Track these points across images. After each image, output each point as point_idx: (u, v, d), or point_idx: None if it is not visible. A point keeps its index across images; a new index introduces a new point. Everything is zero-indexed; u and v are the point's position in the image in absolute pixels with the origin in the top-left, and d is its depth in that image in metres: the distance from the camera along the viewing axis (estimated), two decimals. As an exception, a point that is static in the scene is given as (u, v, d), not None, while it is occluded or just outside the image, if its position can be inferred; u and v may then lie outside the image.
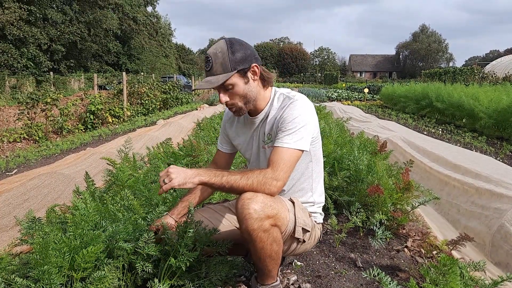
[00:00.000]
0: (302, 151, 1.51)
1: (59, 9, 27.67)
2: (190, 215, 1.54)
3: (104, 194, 2.20)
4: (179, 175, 1.40)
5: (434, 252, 2.28)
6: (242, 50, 1.50)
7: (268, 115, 1.64)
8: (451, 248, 2.19)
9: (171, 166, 1.45)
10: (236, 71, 1.49)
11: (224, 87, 1.53)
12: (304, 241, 1.64)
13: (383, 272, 1.40)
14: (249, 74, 1.54)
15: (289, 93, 1.63)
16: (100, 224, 1.66)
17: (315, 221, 1.73)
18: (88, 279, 1.44)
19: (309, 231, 1.64)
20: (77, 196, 2.13)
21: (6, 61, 22.29)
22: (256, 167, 1.68)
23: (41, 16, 25.38)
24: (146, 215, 1.79)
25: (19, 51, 23.60)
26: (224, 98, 1.55)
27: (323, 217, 1.82)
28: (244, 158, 1.94)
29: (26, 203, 3.07)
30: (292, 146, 1.47)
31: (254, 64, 1.54)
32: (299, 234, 1.58)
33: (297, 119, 1.51)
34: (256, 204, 1.40)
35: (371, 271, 1.41)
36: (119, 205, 1.89)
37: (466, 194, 3.20)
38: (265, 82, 1.62)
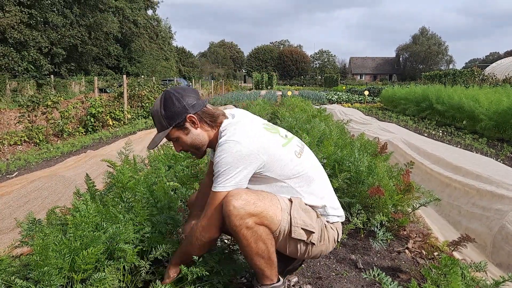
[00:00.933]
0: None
1: (60, 13, 27.76)
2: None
3: (105, 196, 2.20)
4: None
5: (435, 253, 2.28)
6: (174, 106, 1.56)
7: None
8: (452, 249, 2.18)
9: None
10: (172, 126, 1.57)
11: (171, 140, 1.63)
12: (313, 243, 1.58)
13: (384, 273, 1.40)
14: (188, 125, 1.59)
15: (226, 130, 1.56)
16: (100, 226, 1.66)
17: (327, 221, 1.65)
18: (89, 280, 1.43)
19: (313, 233, 1.57)
20: (78, 197, 2.13)
21: (7, 64, 22.34)
22: None
23: (41, 19, 25.46)
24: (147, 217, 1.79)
25: (20, 54, 23.65)
26: (177, 148, 1.66)
27: (341, 218, 1.70)
28: None
29: (26, 205, 3.07)
30: (216, 190, 1.48)
31: (189, 115, 1.57)
32: (297, 234, 1.53)
33: (220, 162, 1.47)
34: (236, 202, 1.42)
35: (371, 272, 1.41)
36: (120, 206, 1.89)
37: (467, 195, 3.19)
38: (210, 124, 1.63)
